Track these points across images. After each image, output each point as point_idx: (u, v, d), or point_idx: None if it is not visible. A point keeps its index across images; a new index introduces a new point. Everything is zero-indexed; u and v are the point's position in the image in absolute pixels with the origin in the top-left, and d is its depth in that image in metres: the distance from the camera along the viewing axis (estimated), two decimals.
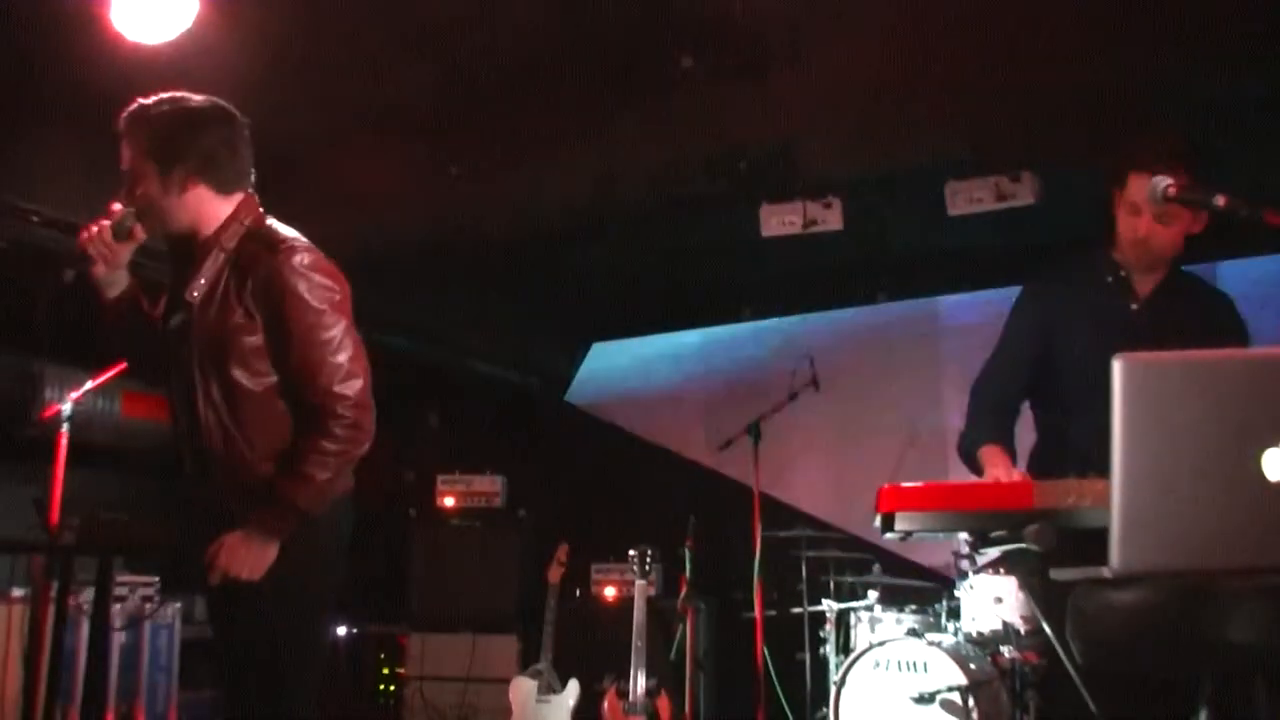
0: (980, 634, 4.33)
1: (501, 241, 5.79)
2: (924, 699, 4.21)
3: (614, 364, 7.47)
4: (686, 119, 4.52)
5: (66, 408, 4.12)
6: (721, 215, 5.56)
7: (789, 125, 4.67)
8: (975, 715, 4.11)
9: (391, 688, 6.52)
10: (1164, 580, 1.74)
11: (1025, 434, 2.70)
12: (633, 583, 5.38)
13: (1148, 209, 2.38)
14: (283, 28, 3.79)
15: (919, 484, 2.02)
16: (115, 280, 2.49)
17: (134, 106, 2.43)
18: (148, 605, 5.38)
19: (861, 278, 6.60)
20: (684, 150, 4.79)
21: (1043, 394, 2.61)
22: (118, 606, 5.17)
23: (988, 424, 2.58)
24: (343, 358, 2.33)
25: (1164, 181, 2.13)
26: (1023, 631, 4.11)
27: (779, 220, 5.13)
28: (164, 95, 2.44)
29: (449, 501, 6.56)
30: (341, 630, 6.76)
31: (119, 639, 5.12)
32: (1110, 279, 2.55)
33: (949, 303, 6.39)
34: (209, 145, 2.39)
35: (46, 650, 3.97)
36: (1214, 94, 4.33)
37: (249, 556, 2.25)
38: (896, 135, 4.75)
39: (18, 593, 4.79)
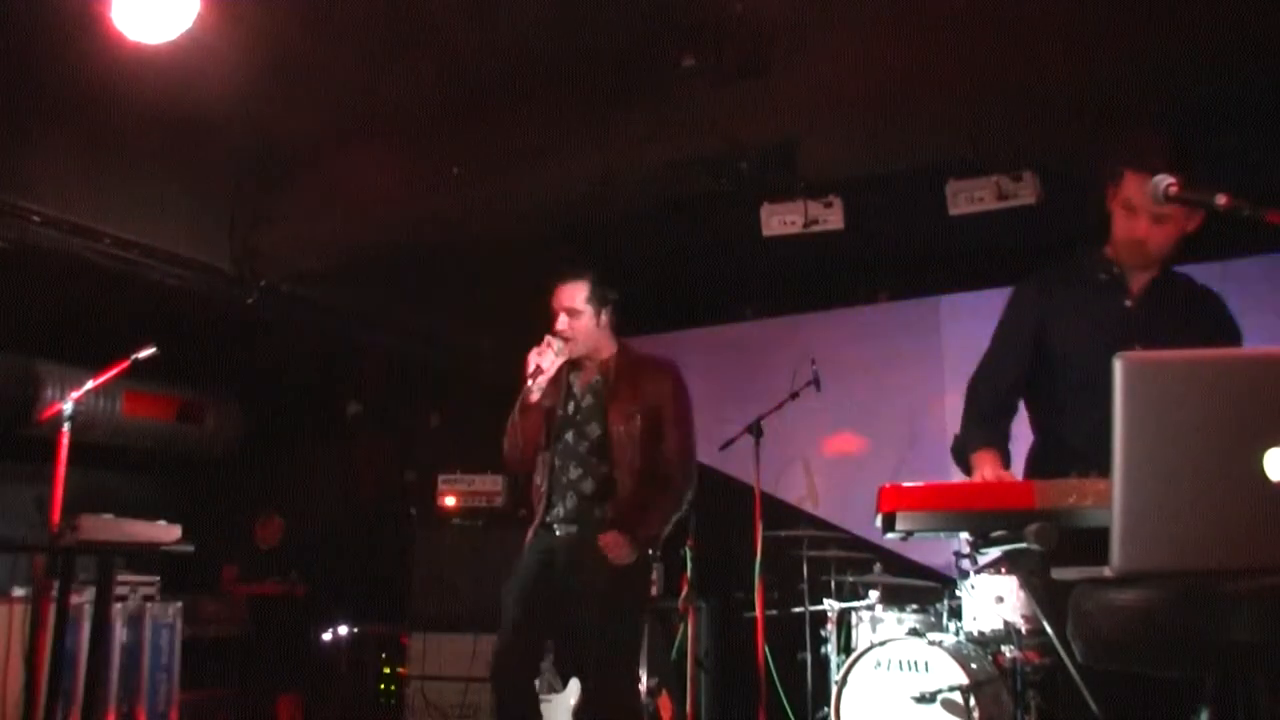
0: (981, 634, 4.33)
1: (502, 241, 5.79)
2: (925, 698, 4.21)
3: None
4: (687, 118, 4.52)
5: (68, 407, 4.11)
6: (722, 215, 5.56)
7: (790, 125, 4.67)
8: (976, 715, 4.11)
9: (393, 687, 6.53)
10: (1165, 580, 1.73)
11: (1025, 435, 2.70)
12: None
13: (1145, 209, 2.37)
14: (283, 28, 3.79)
15: (920, 483, 2.01)
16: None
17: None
18: (149, 605, 5.39)
19: (862, 277, 6.60)
20: (684, 150, 4.79)
21: (1038, 392, 2.61)
22: (118, 606, 5.18)
23: (982, 426, 2.57)
24: (692, 447, 3.58)
25: (1165, 180, 2.12)
26: (1024, 631, 4.11)
27: (780, 220, 5.12)
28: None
29: (450, 501, 6.56)
30: (343, 629, 6.77)
31: (120, 638, 5.13)
32: (1104, 277, 2.55)
33: (950, 302, 6.38)
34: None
35: (48, 650, 3.98)
36: (1214, 93, 4.33)
37: (626, 550, 3.35)
38: (897, 134, 4.75)
39: (19, 592, 4.79)
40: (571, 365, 3.61)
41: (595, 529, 3.40)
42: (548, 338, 3.45)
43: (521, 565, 3.47)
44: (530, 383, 3.38)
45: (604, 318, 3.59)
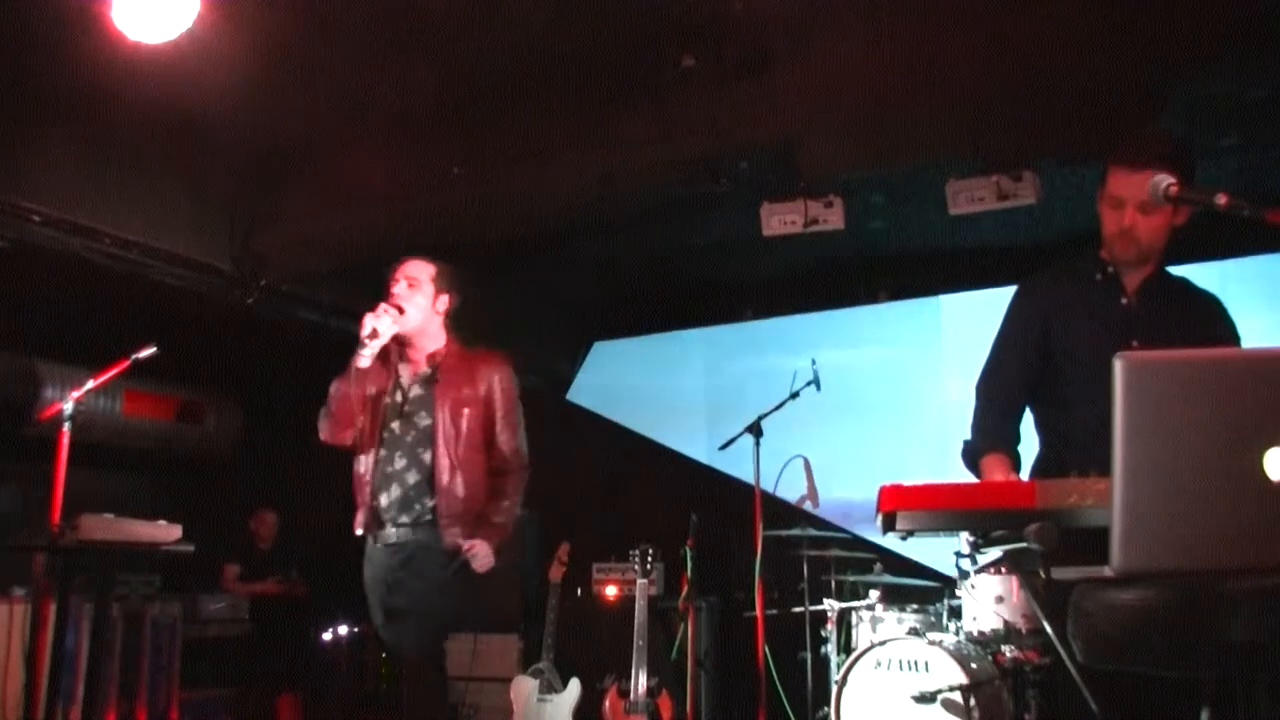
0: (981, 633, 4.32)
1: (503, 241, 5.79)
2: (925, 698, 4.21)
3: (616, 363, 7.48)
4: (687, 118, 4.52)
5: (68, 407, 4.11)
6: (723, 214, 5.56)
7: (790, 124, 4.67)
8: (976, 715, 4.11)
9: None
10: (1165, 580, 1.73)
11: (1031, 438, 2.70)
12: (634, 582, 5.38)
13: (1131, 199, 2.38)
14: (283, 28, 3.79)
15: (921, 483, 2.01)
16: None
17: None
18: (149, 605, 5.39)
19: (863, 277, 6.60)
20: (684, 150, 4.78)
21: (1041, 392, 2.61)
22: (118, 606, 5.17)
23: (990, 429, 2.57)
24: (523, 440, 3.61)
25: (1165, 180, 2.13)
26: (1024, 631, 4.11)
27: (780, 219, 5.12)
28: None
29: None
30: (343, 629, 6.77)
31: (120, 638, 5.13)
32: (1099, 276, 2.56)
33: (950, 302, 6.39)
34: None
35: (48, 649, 3.98)
36: (1214, 93, 4.33)
37: (490, 558, 3.38)
38: (898, 134, 4.74)
39: (19, 592, 4.79)
40: (401, 356, 3.53)
41: (424, 528, 3.39)
42: (383, 304, 3.37)
43: (369, 593, 3.56)
44: (363, 347, 3.30)
45: (441, 304, 3.54)
